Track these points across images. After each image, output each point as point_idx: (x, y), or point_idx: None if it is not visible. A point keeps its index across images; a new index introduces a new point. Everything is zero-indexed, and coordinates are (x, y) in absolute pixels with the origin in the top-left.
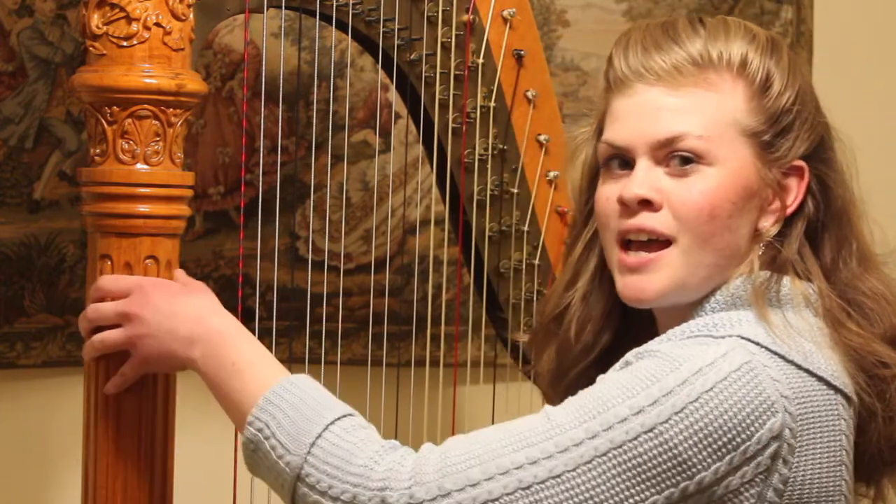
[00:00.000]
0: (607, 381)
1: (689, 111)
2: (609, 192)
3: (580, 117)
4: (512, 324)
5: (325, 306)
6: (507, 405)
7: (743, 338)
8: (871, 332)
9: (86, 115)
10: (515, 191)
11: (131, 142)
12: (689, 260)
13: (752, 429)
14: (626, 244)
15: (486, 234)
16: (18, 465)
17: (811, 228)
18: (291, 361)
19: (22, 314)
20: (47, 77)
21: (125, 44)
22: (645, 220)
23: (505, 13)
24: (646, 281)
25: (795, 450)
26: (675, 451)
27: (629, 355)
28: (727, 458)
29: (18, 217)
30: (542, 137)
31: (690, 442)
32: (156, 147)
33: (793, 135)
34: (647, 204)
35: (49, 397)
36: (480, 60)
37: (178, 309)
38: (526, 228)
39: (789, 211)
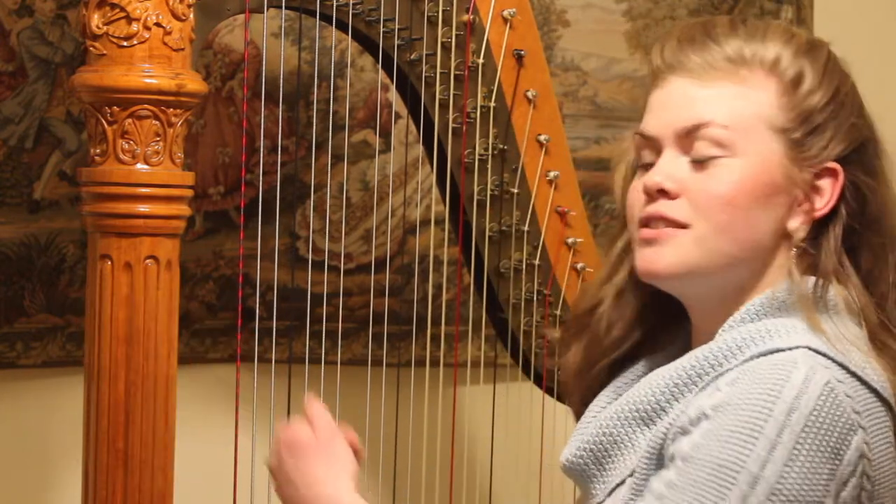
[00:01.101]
0: (705, 454)
1: (716, 101)
2: (637, 183)
3: (581, 117)
4: (512, 324)
5: (325, 306)
6: (507, 405)
7: (811, 349)
8: None
9: (86, 115)
10: (515, 191)
11: (131, 142)
12: (705, 245)
13: (842, 453)
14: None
15: (486, 234)
16: (18, 465)
17: (849, 236)
18: (291, 361)
19: (22, 314)
20: (47, 77)
21: (125, 44)
22: (661, 206)
23: (505, 13)
24: (658, 254)
25: (873, 463)
26: (797, 497)
27: (707, 408)
28: (832, 487)
29: (18, 217)
30: (542, 137)
31: (804, 484)
32: (156, 147)
33: (827, 135)
34: (664, 193)
35: (49, 397)
36: (480, 60)
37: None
38: (526, 228)
39: (818, 214)
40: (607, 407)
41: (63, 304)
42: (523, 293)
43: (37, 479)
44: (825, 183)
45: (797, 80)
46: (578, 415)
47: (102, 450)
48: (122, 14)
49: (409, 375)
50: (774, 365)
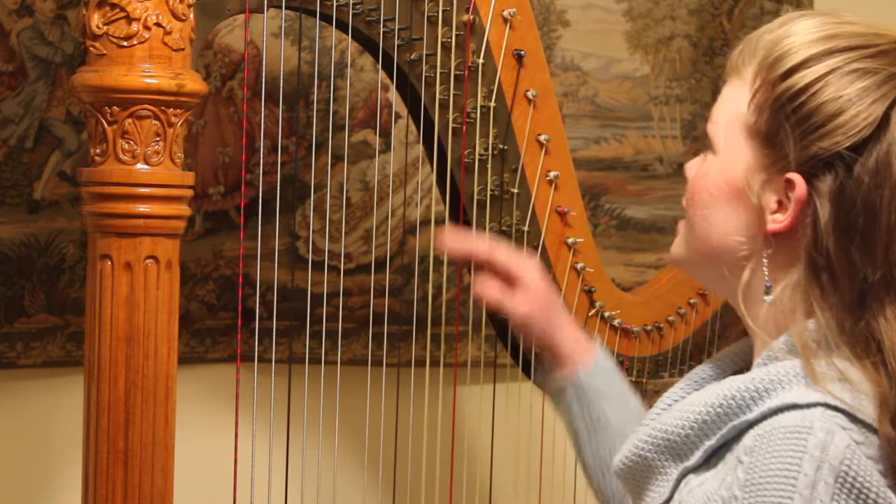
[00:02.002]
0: None
1: (722, 98)
2: None
3: (581, 117)
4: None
5: (325, 306)
6: (507, 405)
7: (829, 406)
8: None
9: (86, 115)
10: (515, 191)
11: (131, 142)
12: (686, 238)
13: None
14: None
15: (487, 234)
16: (18, 466)
17: (828, 256)
18: (291, 361)
19: (22, 314)
20: (47, 77)
21: (125, 44)
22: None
23: (505, 13)
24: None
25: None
26: None
27: (736, 488)
28: None
29: (18, 217)
30: (542, 137)
31: None
32: (156, 147)
33: (790, 142)
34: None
35: (49, 397)
36: (480, 60)
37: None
38: (526, 228)
39: (773, 228)
40: (662, 413)
41: (63, 304)
42: None
43: (37, 479)
44: (791, 195)
45: (774, 80)
46: None
47: (102, 450)
48: (122, 14)
49: (409, 375)
50: (790, 432)
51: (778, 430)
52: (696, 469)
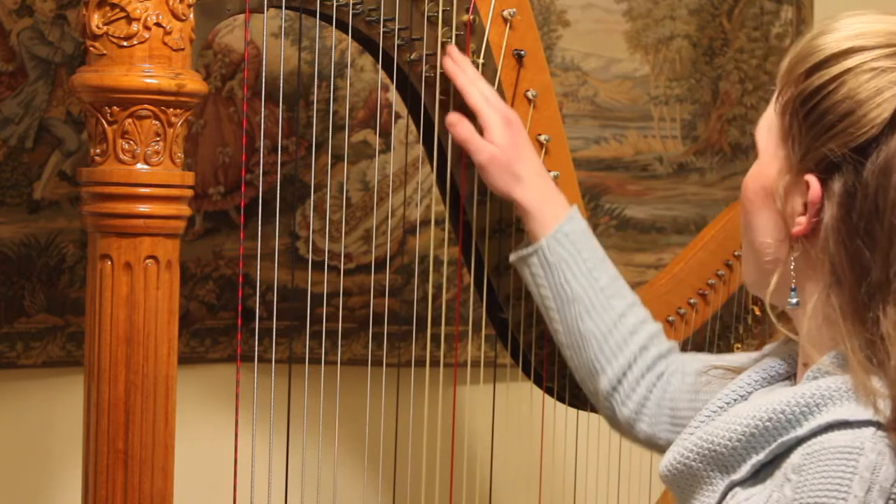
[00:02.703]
0: None
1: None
2: None
3: (580, 117)
4: (512, 324)
5: (325, 306)
6: (507, 405)
7: (881, 426)
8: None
9: (86, 115)
10: None
11: (131, 142)
12: (742, 247)
13: None
14: None
15: (487, 233)
16: (18, 465)
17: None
18: (291, 361)
19: (22, 314)
20: (47, 77)
21: (125, 44)
22: None
23: (505, 13)
24: None
25: None
26: None
27: (788, 470)
28: None
29: (18, 217)
30: (542, 137)
31: None
32: (156, 147)
33: (801, 140)
34: None
35: (49, 397)
36: (481, 60)
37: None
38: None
39: (797, 230)
40: (708, 420)
41: (63, 304)
42: (523, 293)
43: (37, 479)
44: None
45: (796, 80)
46: None
47: (102, 450)
48: (122, 14)
49: (409, 375)
50: (841, 453)
51: (828, 450)
52: (744, 483)
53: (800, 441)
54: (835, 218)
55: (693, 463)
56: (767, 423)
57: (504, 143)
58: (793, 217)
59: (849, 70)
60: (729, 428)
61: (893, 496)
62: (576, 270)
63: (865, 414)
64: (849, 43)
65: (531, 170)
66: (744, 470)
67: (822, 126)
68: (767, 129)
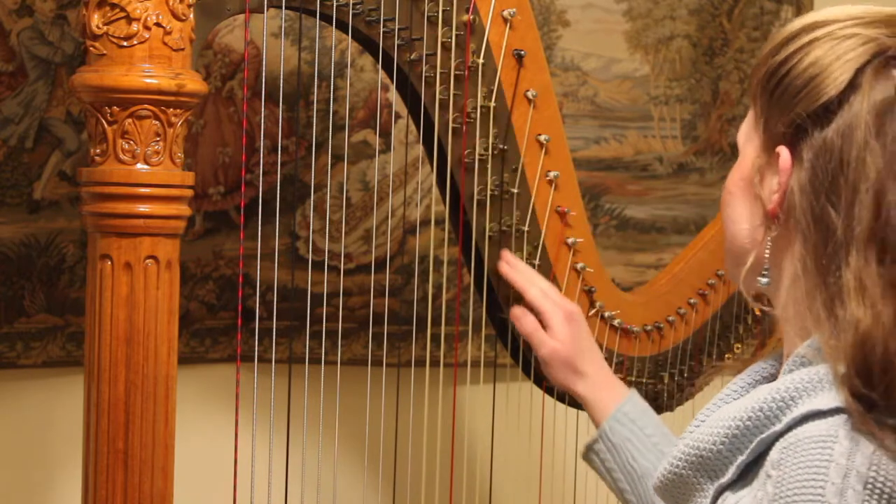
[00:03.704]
0: None
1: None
2: None
3: (580, 117)
4: (512, 324)
5: (325, 306)
6: (507, 405)
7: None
8: None
9: (86, 115)
10: (515, 191)
11: (131, 142)
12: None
13: None
14: None
15: (487, 234)
16: (18, 465)
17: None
18: (291, 361)
19: (22, 314)
20: (47, 77)
21: (125, 44)
22: None
23: (505, 13)
24: None
25: None
26: None
27: (769, 467)
28: None
29: (18, 217)
30: (542, 137)
31: None
32: (156, 147)
33: (772, 112)
34: None
35: (49, 397)
36: (480, 60)
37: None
38: (526, 228)
39: (769, 208)
40: (696, 429)
41: (63, 304)
42: None
43: (37, 479)
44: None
45: (764, 54)
46: None
47: (102, 450)
48: (122, 14)
49: (409, 375)
50: (815, 443)
51: (803, 442)
52: (732, 486)
53: (778, 436)
54: (802, 182)
55: (683, 471)
56: (748, 423)
57: (565, 338)
58: (770, 198)
59: (815, 40)
60: (712, 432)
61: (870, 480)
62: (640, 447)
63: (838, 401)
64: (815, 17)
65: (591, 364)
66: (730, 472)
67: (788, 94)
68: (745, 127)
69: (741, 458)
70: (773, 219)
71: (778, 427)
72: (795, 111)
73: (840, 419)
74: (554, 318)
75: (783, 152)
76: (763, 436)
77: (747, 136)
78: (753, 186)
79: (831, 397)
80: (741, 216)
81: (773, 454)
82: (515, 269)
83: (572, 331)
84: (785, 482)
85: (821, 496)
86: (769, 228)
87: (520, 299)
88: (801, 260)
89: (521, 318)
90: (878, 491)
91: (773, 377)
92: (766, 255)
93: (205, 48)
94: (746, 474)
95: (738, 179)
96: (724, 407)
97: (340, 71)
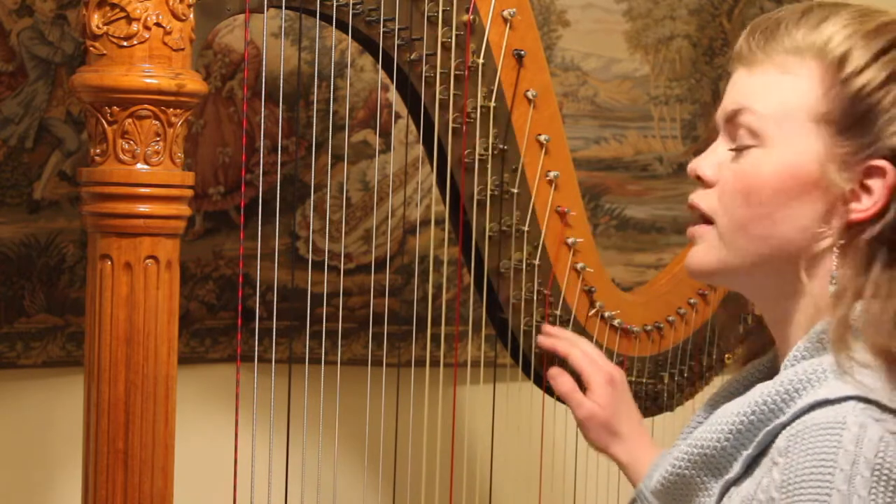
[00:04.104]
0: None
1: (758, 88)
2: None
3: (580, 117)
4: (512, 324)
5: (325, 306)
6: (507, 405)
7: (860, 399)
8: None
9: (86, 115)
10: (515, 191)
11: (131, 142)
12: (728, 243)
13: None
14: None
15: (487, 234)
16: (18, 465)
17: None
18: (291, 361)
19: (22, 314)
20: (47, 77)
21: (125, 44)
22: (695, 196)
23: (505, 13)
24: (693, 252)
25: None
26: None
27: (773, 490)
28: None
29: (18, 217)
30: (542, 137)
31: None
32: (156, 147)
33: (875, 127)
34: (701, 180)
35: (49, 397)
36: (480, 60)
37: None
38: (526, 228)
39: (858, 217)
40: (693, 432)
41: (63, 304)
42: (523, 293)
43: (37, 479)
44: (875, 182)
45: (842, 61)
46: None
47: (102, 450)
48: (122, 14)
49: (409, 375)
50: (824, 429)
51: (810, 429)
52: (738, 481)
53: (784, 426)
54: None
55: (685, 471)
56: (752, 417)
57: (604, 401)
58: (843, 204)
59: None
60: (715, 429)
61: (877, 466)
62: None
63: (845, 389)
64: (881, 36)
65: (629, 427)
66: (736, 468)
67: (892, 116)
68: (783, 115)
69: (747, 453)
70: (850, 226)
71: (784, 418)
72: None
73: (848, 406)
74: (594, 379)
75: (889, 168)
76: (769, 427)
77: (798, 126)
78: (818, 188)
79: (837, 387)
80: (796, 218)
81: (780, 442)
82: (557, 337)
83: (612, 393)
84: (792, 469)
85: (829, 483)
86: (845, 234)
87: (521, 298)
88: (877, 275)
89: (558, 378)
90: (884, 477)
91: (768, 377)
92: (836, 263)
93: (205, 48)
94: (752, 468)
95: (789, 176)
96: (723, 406)
97: (340, 71)
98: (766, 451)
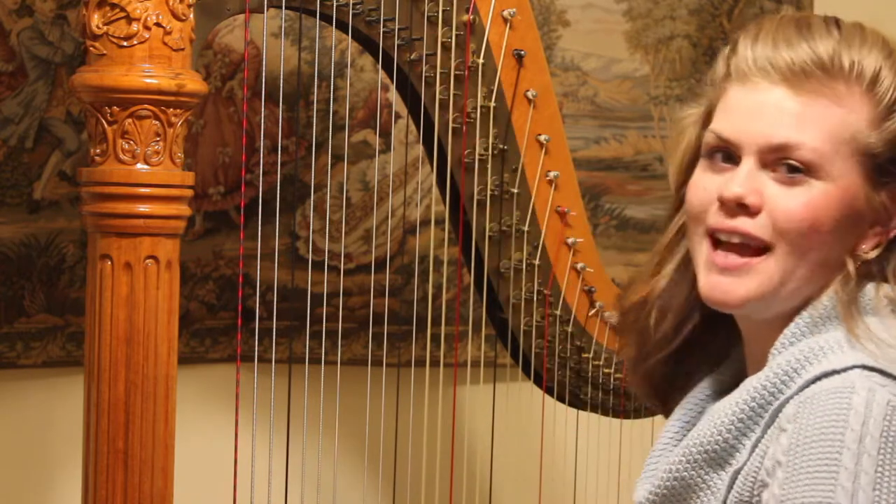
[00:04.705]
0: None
1: (809, 120)
2: (708, 184)
3: (580, 117)
4: (512, 324)
5: (325, 306)
6: (507, 405)
7: (865, 367)
8: None
9: (86, 115)
10: (515, 191)
11: (131, 142)
12: (783, 270)
13: None
14: (716, 242)
15: (487, 234)
16: (18, 465)
17: None
18: (291, 361)
19: (22, 314)
20: (47, 77)
21: (125, 44)
22: (741, 223)
23: (505, 13)
24: (735, 284)
25: None
26: None
27: (779, 454)
28: None
29: (18, 217)
30: (542, 137)
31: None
32: (156, 147)
33: None
34: (744, 207)
35: (49, 397)
36: (480, 60)
37: None
38: (526, 228)
39: (892, 235)
40: (678, 444)
41: (63, 304)
42: (523, 293)
43: (37, 479)
44: (894, 207)
45: (893, 105)
46: (654, 401)
47: (102, 450)
48: (122, 14)
49: (409, 375)
50: (833, 393)
51: (819, 394)
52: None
53: (789, 400)
54: None
55: (686, 473)
56: (753, 404)
57: None
58: (871, 228)
59: None
60: (715, 424)
61: (885, 429)
62: None
63: (849, 360)
64: None
65: None
66: (744, 454)
67: None
68: (834, 149)
69: (755, 437)
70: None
71: (788, 393)
72: None
73: (854, 373)
74: None
75: None
76: (775, 405)
77: (845, 159)
78: (858, 215)
79: (841, 358)
80: (850, 241)
81: (789, 409)
82: None
83: None
84: (802, 431)
85: (840, 441)
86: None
87: (521, 298)
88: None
89: None
90: (892, 440)
91: (726, 391)
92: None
93: (205, 48)
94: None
95: (847, 208)
96: (718, 402)
97: (340, 71)
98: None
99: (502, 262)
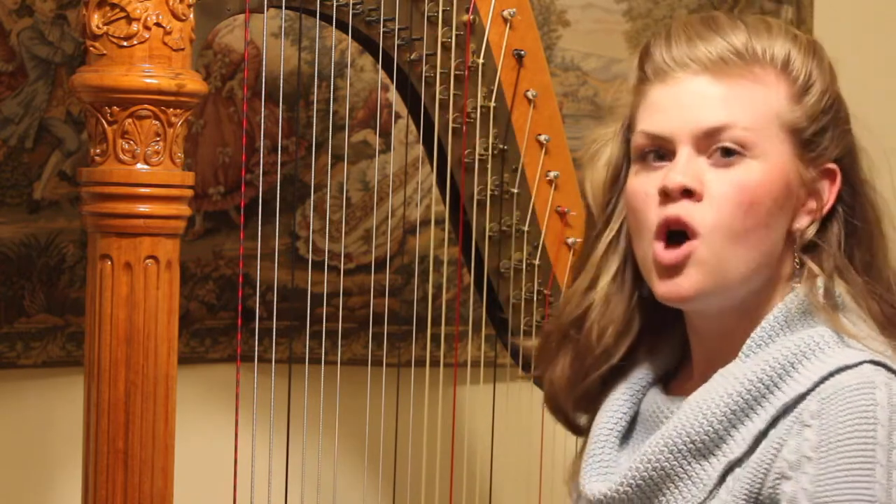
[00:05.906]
0: (829, 499)
1: (735, 101)
2: (645, 184)
3: (581, 117)
4: (512, 324)
5: (325, 306)
6: (507, 405)
7: (874, 363)
8: None
9: (86, 115)
10: (515, 191)
11: (131, 142)
12: (724, 255)
13: None
14: (668, 238)
15: (487, 234)
16: (18, 465)
17: (847, 234)
18: (291, 361)
19: (22, 314)
20: (47, 77)
21: (125, 44)
22: (684, 209)
23: (505, 13)
24: (682, 279)
25: None
26: None
27: (807, 450)
28: None
29: (18, 217)
30: (542, 137)
31: None
32: (156, 147)
33: (829, 136)
34: (689, 193)
35: (49, 397)
36: (480, 60)
37: None
38: (526, 228)
39: (825, 212)
40: (622, 434)
41: (63, 304)
42: (523, 293)
43: (37, 479)
44: (824, 184)
45: (807, 82)
46: (572, 427)
47: (102, 450)
48: (122, 14)
49: (409, 375)
50: (856, 390)
51: (843, 390)
52: (741, 460)
53: (802, 396)
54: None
55: (667, 463)
56: (747, 396)
57: None
58: (803, 206)
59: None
60: (704, 414)
61: None
62: None
63: (857, 356)
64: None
65: None
66: (739, 445)
67: (844, 124)
68: (762, 127)
69: (755, 427)
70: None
71: (798, 388)
72: (848, 138)
73: (867, 368)
74: None
75: (837, 170)
76: (786, 399)
77: (774, 136)
78: (793, 193)
79: (849, 354)
80: (786, 220)
81: (811, 405)
82: None
83: None
84: (831, 428)
85: (872, 437)
86: (803, 234)
87: (521, 298)
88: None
89: None
90: None
91: (656, 380)
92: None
93: (205, 48)
94: (755, 446)
95: (783, 186)
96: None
97: (340, 71)
98: (775, 423)
99: (502, 262)
